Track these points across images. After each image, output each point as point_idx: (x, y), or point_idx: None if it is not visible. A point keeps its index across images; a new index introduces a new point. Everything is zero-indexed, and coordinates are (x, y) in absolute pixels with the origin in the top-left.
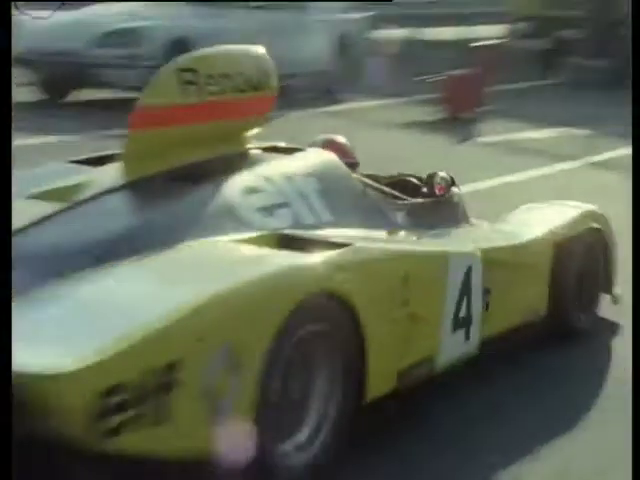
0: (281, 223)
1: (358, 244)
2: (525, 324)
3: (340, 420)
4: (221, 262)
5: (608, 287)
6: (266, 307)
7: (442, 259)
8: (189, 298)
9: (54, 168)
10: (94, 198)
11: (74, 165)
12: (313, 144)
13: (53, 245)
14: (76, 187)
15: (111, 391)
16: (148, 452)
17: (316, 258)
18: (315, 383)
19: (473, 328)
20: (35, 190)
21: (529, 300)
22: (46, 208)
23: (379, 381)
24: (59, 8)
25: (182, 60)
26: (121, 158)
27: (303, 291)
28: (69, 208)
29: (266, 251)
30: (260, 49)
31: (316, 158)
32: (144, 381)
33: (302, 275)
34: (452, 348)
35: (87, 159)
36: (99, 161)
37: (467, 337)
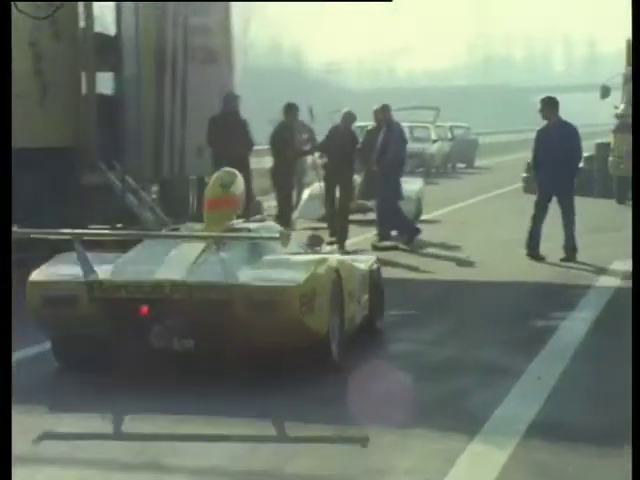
0: None
1: (333, 255)
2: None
3: (342, 336)
4: (305, 258)
5: (381, 304)
6: (327, 274)
7: (355, 266)
8: (313, 267)
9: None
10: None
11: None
12: None
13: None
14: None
15: (306, 295)
16: (313, 325)
17: (327, 258)
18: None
19: (360, 307)
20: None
21: (365, 302)
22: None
23: (345, 320)
24: (59, 8)
25: (220, 174)
26: (206, 223)
27: (333, 270)
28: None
29: (310, 256)
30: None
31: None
32: (312, 292)
33: (331, 264)
34: (357, 315)
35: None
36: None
37: (360, 312)
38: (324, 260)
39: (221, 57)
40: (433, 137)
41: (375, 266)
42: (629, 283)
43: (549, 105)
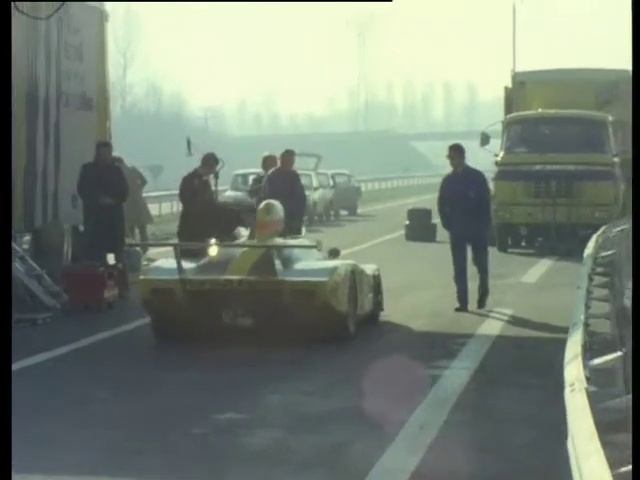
0: None
1: (349, 262)
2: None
3: (355, 317)
4: (330, 263)
5: (381, 302)
6: (345, 274)
7: (364, 271)
8: (337, 269)
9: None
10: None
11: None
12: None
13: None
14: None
15: (332, 287)
16: (337, 308)
17: (345, 263)
18: (350, 301)
19: (368, 300)
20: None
21: (371, 298)
22: None
23: (358, 307)
24: (59, 8)
25: (264, 205)
26: (257, 239)
27: (349, 271)
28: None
29: (334, 262)
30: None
31: None
32: (336, 285)
33: (347, 267)
34: (366, 306)
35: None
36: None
37: (368, 305)
38: (343, 264)
39: (96, 103)
40: (315, 184)
41: (377, 272)
42: (510, 331)
43: (457, 152)
